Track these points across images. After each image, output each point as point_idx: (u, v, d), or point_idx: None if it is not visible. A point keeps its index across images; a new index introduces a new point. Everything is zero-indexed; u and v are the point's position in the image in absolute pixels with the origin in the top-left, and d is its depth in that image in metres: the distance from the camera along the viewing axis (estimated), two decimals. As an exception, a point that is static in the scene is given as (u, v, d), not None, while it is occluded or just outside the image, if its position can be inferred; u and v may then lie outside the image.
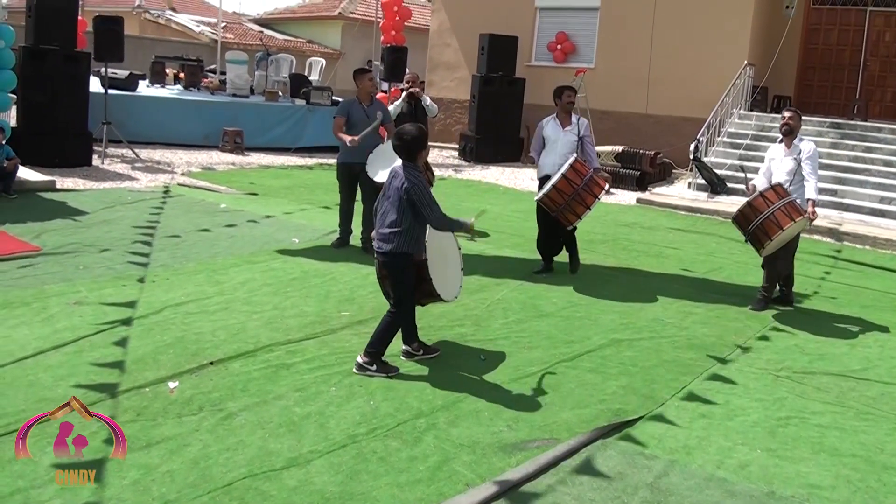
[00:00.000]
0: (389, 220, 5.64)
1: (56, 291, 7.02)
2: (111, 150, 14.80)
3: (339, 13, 30.72)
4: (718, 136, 16.00)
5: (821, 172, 14.56)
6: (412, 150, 5.70)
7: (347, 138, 8.70)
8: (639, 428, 5.05)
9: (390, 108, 11.30)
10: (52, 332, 6.03)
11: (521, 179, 16.58)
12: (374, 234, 5.82)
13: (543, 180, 8.72)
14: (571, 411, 5.22)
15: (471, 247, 9.85)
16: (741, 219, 7.79)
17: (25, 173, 11.66)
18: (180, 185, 12.92)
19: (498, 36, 18.63)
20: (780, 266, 8.00)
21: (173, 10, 32.58)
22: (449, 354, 6.12)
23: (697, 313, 7.67)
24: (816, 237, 12.18)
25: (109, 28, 14.22)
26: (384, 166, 8.74)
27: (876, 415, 5.54)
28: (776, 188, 7.71)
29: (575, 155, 8.45)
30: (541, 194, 8.40)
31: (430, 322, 6.81)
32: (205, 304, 6.98)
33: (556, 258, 8.89)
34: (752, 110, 16.82)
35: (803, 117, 15.98)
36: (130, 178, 13.08)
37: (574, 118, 8.80)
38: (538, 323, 7.04)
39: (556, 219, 8.42)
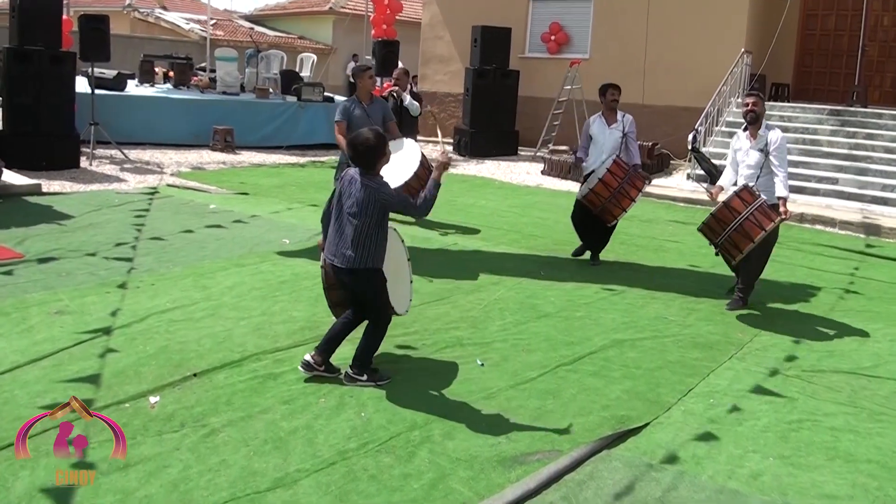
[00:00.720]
0: (356, 234, 5.12)
1: (37, 300, 6.76)
2: (99, 152, 14.52)
3: (330, 8, 30.44)
4: (716, 126, 15.75)
5: (821, 161, 14.51)
6: (370, 159, 5.16)
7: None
8: (645, 436, 4.80)
9: None
10: (31, 345, 5.77)
11: (516, 174, 16.32)
12: (328, 248, 5.29)
13: (587, 177, 8.84)
14: (574, 419, 4.96)
15: (466, 244, 9.63)
16: (707, 231, 7.28)
17: (10, 177, 11.39)
18: (169, 185, 12.65)
19: (491, 28, 18.34)
20: (753, 265, 7.40)
21: (164, 8, 32.29)
22: (445, 360, 5.87)
23: (701, 309, 7.43)
24: (819, 227, 11.95)
25: (95, 27, 13.89)
26: (392, 167, 8.59)
27: (890, 415, 5.30)
28: (742, 195, 7.08)
29: (615, 156, 8.58)
30: (583, 191, 8.66)
31: (425, 325, 6.57)
32: (190, 310, 6.72)
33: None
34: (750, 98, 16.55)
35: (802, 105, 15.98)
36: (119, 180, 12.80)
37: (619, 115, 8.82)
38: (537, 324, 6.79)
39: (598, 216, 8.55)
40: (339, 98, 20.25)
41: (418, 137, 11.28)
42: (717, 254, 7.35)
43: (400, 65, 18.58)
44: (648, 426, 4.93)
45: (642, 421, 4.98)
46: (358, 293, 5.38)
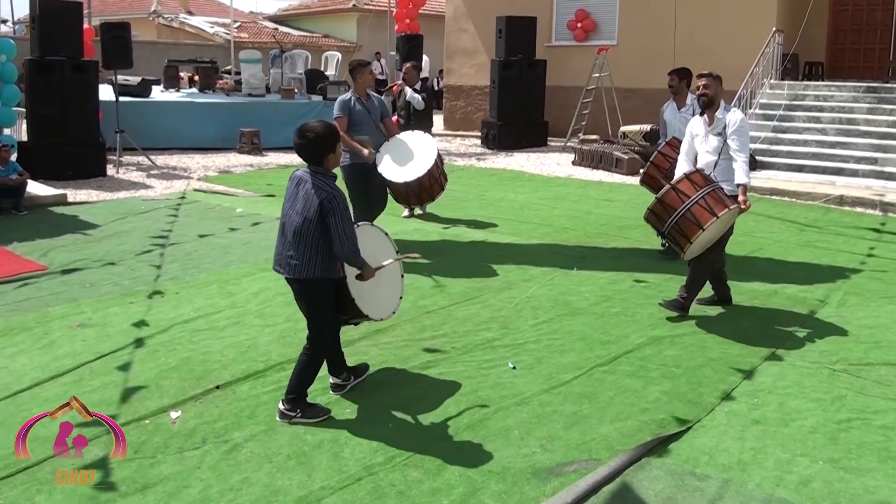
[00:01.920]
0: (295, 237, 4.63)
1: (59, 314, 6.66)
2: (126, 159, 14.51)
3: (354, 5, 30.30)
4: (750, 109, 15.32)
5: (859, 140, 14.06)
6: (319, 150, 4.64)
7: (365, 151, 8.05)
8: (687, 441, 4.55)
9: None
10: (52, 360, 5.66)
11: (546, 165, 16.04)
12: (274, 255, 4.84)
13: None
14: (611, 425, 4.72)
15: (496, 239, 9.40)
16: (652, 219, 6.53)
17: (36, 188, 11.36)
18: (196, 190, 12.56)
19: (515, 18, 18.03)
20: (706, 262, 6.66)
21: (189, 13, 32.36)
22: (475, 364, 5.65)
23: (741, 301, 7.13)
24: (859, 209, 11.55)
25: (116, 35, 13.88)
26: (396, 162, 8.45)
27: (947, 410, 5.00)
28: (692, 177, 6.39)
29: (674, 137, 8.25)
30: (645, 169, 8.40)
31: (454, 327, 6.36)
32: (215, 319, 6.58)
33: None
34: (783, 79, 16.11)
35: (837, 83, 15.51)
36: (145, 187, 12.75)
37: (690, 98, 8.47)
38: (571, 322, 6.55)
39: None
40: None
41: (433, 130, 11.18)
42: (663, 245, 6.78)
43: (425, 58, 18.46)
44: (690, 430, 4.68)
45: (683, 425, 4.73)
46: (304, 305, 4.88)
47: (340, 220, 4.55)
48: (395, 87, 10.92)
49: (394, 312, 5.41)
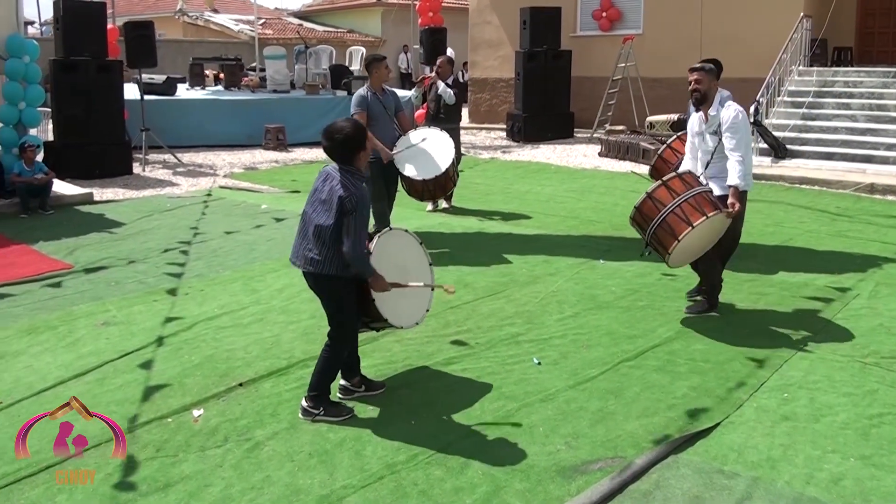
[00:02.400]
0: (316, 232, 4.58)
1: (84, 312, 6.68)
2: (152, 157, 14.59)
3: (378, 0, 30.24)
4: (779, 96, 15.09)
5: (889, 127, 13.76)
6: (347, 150, 4.60)
7: (387, 151, 8.23)
8: (715, 438, 4.45)
9: (411, 93, 11.16)
10: (76, 359, 5.67)
11: (573, 157, 15.90)
12: (292, 250, 4.82)
13: None
14: (637, 421, 4.63)
15: (522, 232, 9.32)
16: (635, 226, 6.25)
17: (62, 187, 11.44)
18: (221, 187, 12.60)
19: (539, 8, 17.89)
20: (704, 266, 6.40)
21: (215, 10, 32.51)
22: (500, 359, 5.58)
23: (770, 293, 7.00)
24: (890, 197, 11.34)
25: (140, 34, 13.95)
26: (415, 158, 8.39)
27: (984, 404, 4.85)
28: (671, 184, 6.02)
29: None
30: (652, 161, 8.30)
31: (479, 322, 6.30)
32: (239, 315, 6.57)
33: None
34: (812, 65, 15.85)
35: (867, 69, 15.21)
36: (171, 184, 12.80)
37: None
38: (597, 316, 6.46)
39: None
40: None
41: (462, 124, 11.12)
42: (646, 250, 6.25)
43: (450, 51, 18.35)
44: (718, 427, 4.57)
45: (712, 421, 4.62)
46: (322, 301, 4.84)
47: (355, 221, 4.48)
48: (426, 80, 10.87)
49: (416, 324, 5.19)
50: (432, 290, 5.19)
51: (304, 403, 4.77)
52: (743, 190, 6.16)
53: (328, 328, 4.84)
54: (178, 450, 4.40)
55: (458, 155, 10.99)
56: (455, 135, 10.76)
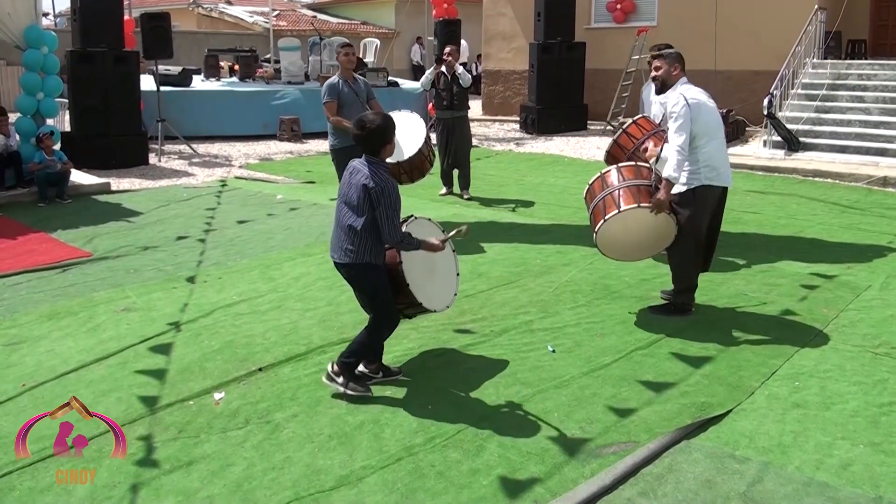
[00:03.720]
0: (347, 223, 4.74)
1: (104, 298, 6.79)
2: (168, 148, 14.70)
3: (392, -9, 30.29)
4: (792, 89, 15.08)
5: (906, 121, 13.75)
6: (376, 142, 4.75)
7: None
8: (727, 424, 4.52)
9: (422, 79, 11.21)
10: (97, 343, 5.78)
11: (586, 149, 15.93)
12: (331, 243, 4.95)
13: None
14: (650, 407, 4.71)
15: (536, 224, 9.38)
16: (588, 196, 6.33)
17: (79, 177, 11.56)
18: (237, 177, 12.70)
19: (554, 0, 17.90)
20: (675, 257, 6.19)
21: (228, 2, 32.60)
22: (515, 347, 5.66)
23: (783, 284, 7.05)
24: (890, 189, 11.32)
25: (156, 25, 14.06)
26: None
27: None
28: (623, 169, 6.13)
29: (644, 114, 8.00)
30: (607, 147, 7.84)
31: (493, 311, 6.38)
32: (257, 303, 6.66)
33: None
34: (826, 58, 15.84)
35: (881, 61, 15.17)
36: (187, 175, 12.90)
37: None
38: (611, 306, 6.52)
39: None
40: (403, 82, 20.14)
41: (476, 115, 11.11)
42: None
43: (463, 43, 18.39)
44: (730, 413, 4.64)
45: (724, 408, 4.69)
46: (357, 290, 5.04)
47: (386, 209, 4.61)
48: (448, 60, 10.64)
49: (448, 307, 5.44)
50: (455, 260, 5.55)
51: (329, 368, 4.93)
52: (676, 183, 5.83)
53: (351, 319, 5.04)
54: (199, 431, 4.50)
55: (469, 145, 11.10)
56: (465, 123, 10.93)
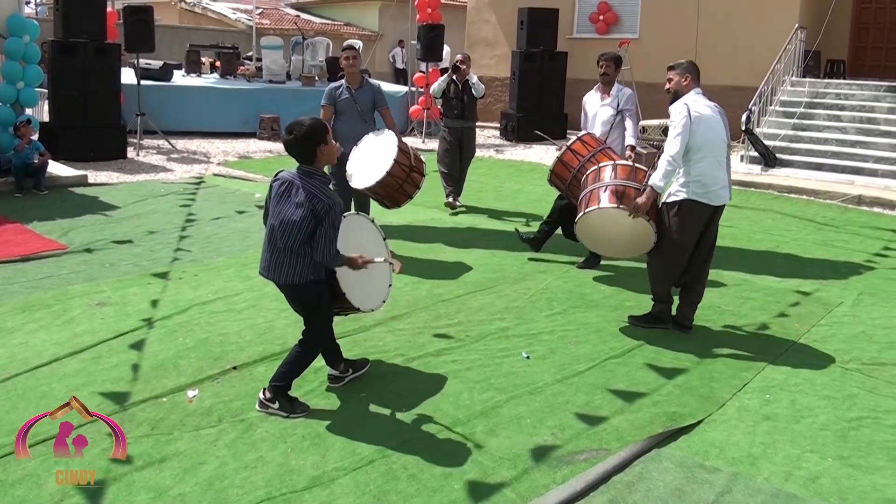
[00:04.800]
0: (286, 245, 4.51)
1: (79, 292, 6.74)
2: (147, 142, 14.61)
3: (376, -6, 30.31)
4: (770, 106, 15.26)
5: (879, 140, 13.96)
6: (308, 147, 4.47)
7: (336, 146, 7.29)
8: (697, 434, 4.57)
9: (434, 86, 10.72)
10: (71, 337, 5.74)
11: (564, 158, 15.98)
12: (262, 261, 4.75)
13: None
14: (623, 416, 4.76)
15: (512, 229, 9.40)
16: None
17: (57, 168, 11.47)
18: (215, 175, 12.64)
19: (537, 9, 17.98)
20: (650, 266, 6.26)
21: (213, -2, 32.47)
22: (489, 352, 5.69)
23: (756, 298, 7.14)
24: (877, 209, 11.50)
25: (139, 18, 13.97)
26: (363, 166, 7.63)
27: (959, 411, 4.99)
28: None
29: (587, 131, 7.82)
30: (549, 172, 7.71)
31: (469, 316, 6.40)
32: (233, 301, 6.65)
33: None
34: (804, 76, 16.01)
35: (859, 82, 15.37)
36: (165, 170, 12.83)
37: (616, 89, 7.97)
38: (586, 314, 6.57)
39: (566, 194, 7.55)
40: (384, 85, 20.13)
41: (477, 123, 10.96)
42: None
43: (446, 48, 18.38)
44: (701, 423, 4.70)
45: (695, 418, 4.75)
46: (296, 306, 4.88)
47: (329, 228, 4.43)
48: (462, 68, 10.32)
49: (384, 302, 5.22)
50: (390, 264, 5.03)
51: (261, 396, 4.71)
52: (659, 192, 5.89)
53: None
54: (172, 428, 4.48)
55: (472, 155, 10.78)
56: (474, 133, 10.75)
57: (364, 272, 4.76)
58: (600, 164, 6.52)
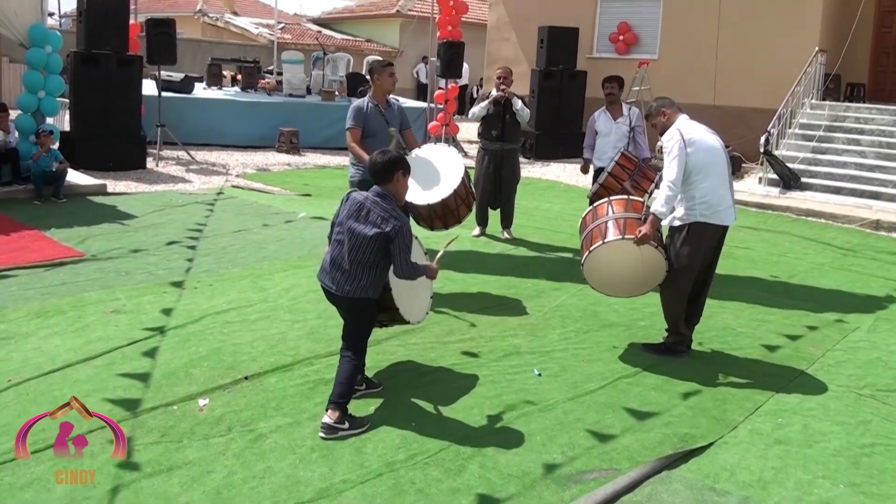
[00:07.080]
0: (356, 259, 4.72)
1: (94, 299, 6.78)
2: (166, 153, 14.72)
3: (397, 11, 30.45)
4: (790, 128, 15.20)
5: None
6: (390, 167, 4.83)
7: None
8: (708, 456, 4.54)
9: (474, 109, 9.66)
10: (85, 343, 5.77)
11: (583, 176, 15.85)
12: (322, 269, 4.91)
13: (598, 173, 8.58)
14: (633, 436, 4.73)
15: (528, 248, 9.41)
16: (581, 229, 6.40)
17: (76, 177, 11.57)
18: (234, 186, 12.71)
19: (558, 28, 18.04)
20: (666, 295, 6.10)
21: (234, 13, 32.73)
22: (501, 369, 5.67)
23: (771, 321, 7.08)
24: (895, 235, 11.43)
25: (161, 31, 14.13)
26: (418, 181, 6.82)
27: (975, 440, 4.93)
28: (633, 201, 6.21)
29: (622, 149, 8.31)
30: (594, 188, 8.24)
31: (482, 332, 6.39)
32: (246, 312, 6.66)
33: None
34: (824, 99, 15.97)
35: (879, 106, 15.28)
36: (184, 181, 12.91)
37: (625, 109, 8.66)
38: (599, 333, 6.55)
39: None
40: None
41: (474, 138, 10.81)
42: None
43: (465, 66, 18.41)
44: (712, 446, 4.67)
45: (706, 440, 4.72)
46: (347, 318, 4.98)
47: (401, 247, 4.68)
48: (504, 90, 9.29)
49: (427, 314, 5.62)
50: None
51: (327, 419, 4.60)
52: (662, 219, 5.83)
53: (339, 332, 5.01)
54: (182, 436, 4.50)
55: (517, 181, 9.85)
56: (516, 157, 9.91)
57: (414, 289, 5.24)
58: (595, 204, 6.38)
